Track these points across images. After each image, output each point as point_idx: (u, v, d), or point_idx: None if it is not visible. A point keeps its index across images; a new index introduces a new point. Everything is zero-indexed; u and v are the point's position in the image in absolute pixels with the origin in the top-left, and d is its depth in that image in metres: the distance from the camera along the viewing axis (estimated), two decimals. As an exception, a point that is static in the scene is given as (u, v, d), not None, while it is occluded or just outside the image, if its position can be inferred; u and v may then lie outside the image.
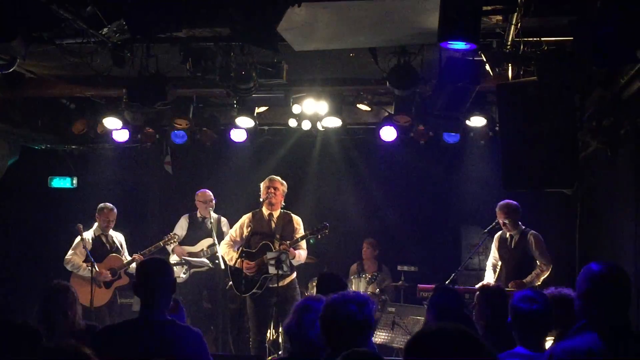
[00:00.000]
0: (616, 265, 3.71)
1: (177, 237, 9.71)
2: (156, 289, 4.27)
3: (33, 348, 3.59)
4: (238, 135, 10.12)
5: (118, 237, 9.63)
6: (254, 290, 8.50)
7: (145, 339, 3.61)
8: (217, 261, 9.23)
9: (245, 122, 9.62)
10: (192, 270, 9.65)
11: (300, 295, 9.17)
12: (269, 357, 8.98)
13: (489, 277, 8.91)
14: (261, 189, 8.76)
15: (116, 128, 9.71)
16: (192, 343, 4.19)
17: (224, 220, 9.82)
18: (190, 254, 9.70)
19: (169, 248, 9.78)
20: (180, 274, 9.69)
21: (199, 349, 4.22)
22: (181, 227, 9.93)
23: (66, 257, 9.24)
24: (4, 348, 3.61)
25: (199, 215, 9.89)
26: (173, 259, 9.79)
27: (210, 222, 9.69)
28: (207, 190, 9.92)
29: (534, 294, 4.53)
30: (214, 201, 9.87)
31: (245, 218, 8.83)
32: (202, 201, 9.85)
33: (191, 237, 9.86)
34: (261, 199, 8.72)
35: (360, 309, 3.92)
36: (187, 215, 9.99)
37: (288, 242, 8.52)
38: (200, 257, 9.62)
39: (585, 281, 3.60)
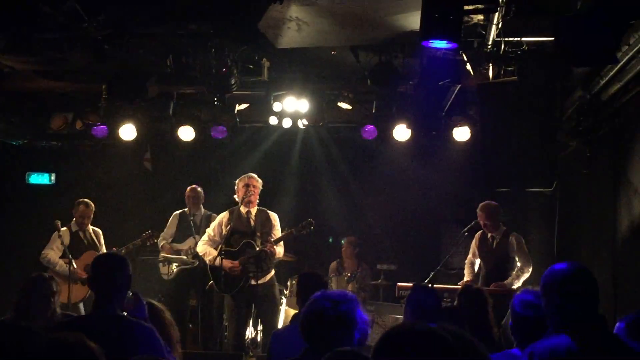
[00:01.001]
0: (580, 264, 3.74)
1: (155, 234, 9.64)
2: (110, 284, 4.24)
3: None
4: (219, 133, 10.08)
5: (96, 233, 9.55)
6: (236, 290, 8.46)
7: (97, 335, 3.58)
8: (202, 259, 9.19)
9: (225, 119, 9.59)
10: (179, 268, 9.59)
11: (279, 292, 9.15)
12: (248, 355, 8.97)
13: (468, 275, 8.94)
14: (237, 187, 8.72)
15: (95, 124, 9.64)
16: (143, 339, 4.14)
17: (214, 216, 9.71)
18: (179, 252, 9.64)
19: (159, 246, 9.72)
20: (168, 271, 9.63)
21: (151, 344, 4.17)
22: (172, 224, 9.86)
23: (42, 252, 9.15)
24: None
25: (188, 212, 9.83)
26: (161, 255, 9.74)
27: (192, 219, 9.63)
28: (196, 186, 9.83)
29: (535, 299, 4.51)
30: (201, 197, 9.81)
31: (223, 217, 8.78)
32: (189, 198, 9.79)
33: (181, 235, 9.79)
34: (236, 198, 8.69)
35: (334, 305, 3.88)
36: (177, 212, 9.92)
37: (272, 239, 8.50)
38: (187, 255, 9.55)
39: (550, 282, 3.61)
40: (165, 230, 9.71)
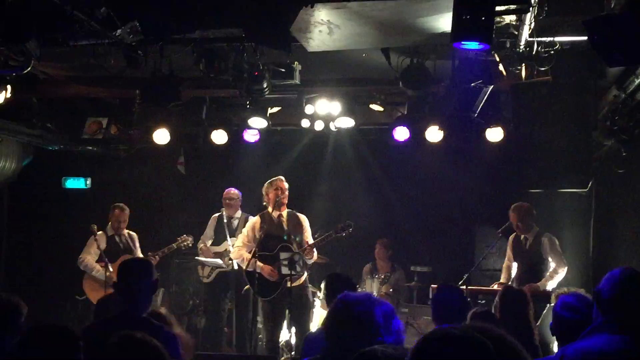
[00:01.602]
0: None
1: (190, 238, 9.71)
2: (136, 289, 4.33)
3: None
4: (251, 136, 10.13)
5: (132, 237, 9.65)
6: (275, 294, 8.51)
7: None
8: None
9: (258, 122, 9.63)
10: (218, 271, 9.66)
11: (312, 295, 9.16)
12: (282, 358, 8.99)
13: (504, 278, 8.89)
14: (265, 192, 8.77)
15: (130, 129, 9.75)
16: (166, 344, 4.19)
17: (252, 218, 9.79)
18: (216, 254, 9.71)
19: (198, 248, 9.79)
20: (206, 274, 9.71)
21: (171, 350, 4.21)
22: (210, 227, 9.95)
23: (80, 257, 9.27)
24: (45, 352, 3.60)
25: (225, 215, 9.88)
26: (200, 258, 9.82)
27: (232, 222, 9.67)
28: (233, 189, 9.91)
29: (577, 302, 4.49)
30: (238, 200, 9.87)
31: (255, 221, 8.83)
32: (226, 200, 9.86)
33: (218, 237, 9.87)
34: (264, 203, 8.74)
35: (349, 306, 3.91)
36: (216, 215, 9.99)
37: (311, 243, 8.54)
38: (224, 257, 9.62)
39: (613, 286, 3.58)
40: (205, 232, 9.82)
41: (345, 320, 3.89)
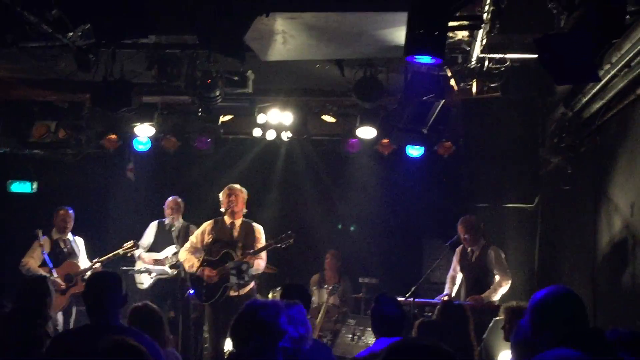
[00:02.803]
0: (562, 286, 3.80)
1: (137, 245, 9.60)
2: (104, 303, 4.35)
3: None
4: (202, 143, 10.09)
5: (77, 242, 9.51)
6: (214, 299, 8.44)
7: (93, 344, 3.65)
8: (180, 269, 9.17)
9: (209, 130, 9.60)
10: (155, 278, 9.56)
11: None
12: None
13: (448, 289, 8.97)
14: (221, 199, 8.71)
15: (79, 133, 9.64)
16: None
17: (192, 227, 9.68)
18: (156, 261, 9.61)
19: (135, 255, 9.68)
20: (144, 281, 9.61)
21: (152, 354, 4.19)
22: (149, 233, 9.84)
23: (22, 260, 9.09)
24: None
25: (167, 222, 9.80)
26: (138, 265, 9.70)
27: (174, 230, 9.59)
28: (176, 197, 9.82)
29: None
30: (181, 208, 9.79)
31: (207, 225, 8.76)
32: (169, 208, 9.77)
33: (159, 244, 9.76)
34: (222, 209, 8.67)
35: (254, 313, 4.04)
36: (156, 222, 9.89)
37: (251, 251, 8.46)
38: (165, 264, 9.53)
39: (542, 305, 3.65)
40: (142, 239, 9.68)
41: (250, 326, 3.97)
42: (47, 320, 5.45)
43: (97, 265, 9.13)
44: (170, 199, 9.79)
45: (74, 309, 9.22)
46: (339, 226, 11.61)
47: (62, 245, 9.35)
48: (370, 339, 9.04)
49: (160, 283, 9.52)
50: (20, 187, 11.76)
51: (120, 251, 9.38)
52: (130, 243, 9.49)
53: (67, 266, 9.19)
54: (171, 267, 9.46)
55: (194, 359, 9.30)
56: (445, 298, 8.67)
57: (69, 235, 9.45)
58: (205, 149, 10.24)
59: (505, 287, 8.42)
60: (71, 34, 6.34)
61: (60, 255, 9.25)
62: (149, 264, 9.57)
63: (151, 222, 9.88)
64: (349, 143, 9.88)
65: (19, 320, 4.97)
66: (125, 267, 10.04)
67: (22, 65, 7.81)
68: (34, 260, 9.07)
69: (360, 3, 5.98)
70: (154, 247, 9.69)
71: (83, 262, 9.42)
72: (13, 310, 5.25)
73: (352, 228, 11.73)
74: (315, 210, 11.68)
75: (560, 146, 7.95)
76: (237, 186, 8.74)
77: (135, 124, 9.64)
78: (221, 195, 8.71)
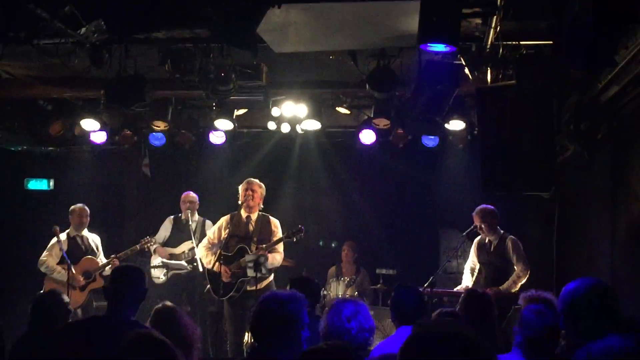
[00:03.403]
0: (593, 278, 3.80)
1: (154, 240, 9.64)
2: (125, 295, 4.38)
3: None
4: (217, 138, 10.09)
5: (94, 239, 9.55)
6: (231, 294, 8.45)
7: (108, 337, 3.65)
8: (196, 264, 9.18)
9: (224, 124, 9.60)
10: (171, 273, 9.59)
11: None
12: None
13: (467, 281, 8.93)
14: (239, 192, 8.71)
15: (94, 130, 9.66)
16: None
17: (208, 222, 9.74)
18: (172, 256, 9.65)
19: (152, 249, 9.72)
20: (161, 275, 9.64)
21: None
22: (165, 228, 9.88)
23: (40, 258, 9.15)
24: None
25: (183, 217, 9.82)
26: (155, 260, 9.73)
27: (191, 225, 9.60)
28: (191, 192, 9.86)
29: (545, 308, 4.51)
30: (197, 203, 9.81)
31: (223, 220, 8.77)
32: (185, 203, 9.79)
33: (174, 239, 9.80)
34: (239, 202, 8.67)
35: (281, 306, 4.02)
36: (172, 217, 9.93)
37: (264, 245, 8.46)
38: (181, 260, 9.57)
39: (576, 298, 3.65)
40: (158, 233, 9.71)
41: (278, 319, 3.98)
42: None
43: (115, 261, 9.16)
44: (185, 194, 9.81)
45: (94, 305, 9.27)
46: (333, 244, 11.66)
47: (79, 241, 9.40)
48: (388, 330, 9.02)
49: (177, 278, 9.55)
50: (37, 184, 11.83)
51: (137, 246, 9.43)
52: (147, 239, 9.53)
53: (85, 262, 9.24)
54: (188, 262, 9.48)
55: (214, 354, 9.32)
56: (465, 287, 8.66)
57: (86, 232, 9.49)
58: (220, 144, 10.23)
59: (524, 278, 8.39)
60: (84, 30, 6.35)
61: (78, 252, 9.30)
62: (165, 258, 9.59)
63: (167, 217, 9.90)
64: (364, 134, 9.83)
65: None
66: (141, 262, 10.10)
67: (35, 63, 7.82)
68: (52, 258, 9.13)
69: (373, -8, 5.96)
70: (170, 242, 9.73)
71: (101, 258, 9.46)
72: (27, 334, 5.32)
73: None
74: (331, 202, 11.68)
75: (576, 133, 7.89)
76: (257, 181, 8.74)
77: (151, 121, 9.66)
78: (240, 188, 8.72)
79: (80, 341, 4.15)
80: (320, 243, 11.69)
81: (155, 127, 9.72)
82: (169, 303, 5.08)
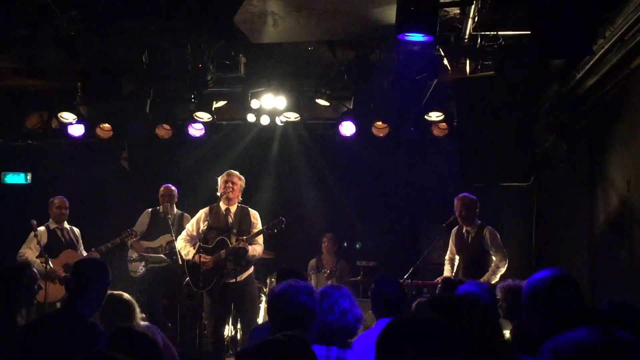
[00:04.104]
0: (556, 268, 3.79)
1: (134, 233, 9.55)
2: (85, 289, 4.32)
3: None
4: (196, 130, 10.04)
5: (74, 232, 9.46)
6: (211, 286, 8.41)
7: (57, 332, 3.65)
8: (174, 257, 9.12)
9: (203, 116, 9.56)
10: (149, 266, 9.53)
11: (258, 290, 9.10)
12: (228, 354, 8.91)
13: (447, 272, 8.94)
14: (218, 184, 8.66)
15: (71, 122, 9.57)
16: (101, 343, 4.15)
17: (187, 216, 9.65)
18: (149, 250, 9.56)
19: (128, 243, 9.65)
20: (138, 269, 9.58)
21: None
22: (143, 221, 9.78)
23: (19, 251, 9.05)
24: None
25: (161, 210, 9.74)
26: (132, 253, 9.66)
27: (170, 218, 9.53)
28: (170, 186, 9.76)
29: (478, 289, 4.54)
30: (175, 196, 9.73)
31: (202, 212, 8.71)
32: (163, 196, 9.71)
33: (152, 233, 9.72)
34: (218, 194, 8.62)
35: (310, 298, 4.04)
36: (149, 210, 9.84)
37: (244, 237, 8.42)
38: (159, 253, 9.49)
39: (539, 289, 3.65)
40: (135, 227, 9.63)
41: (306, 312, 3.98)
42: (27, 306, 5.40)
43: (95, 253, 9.08)
44: (163, 186, 9.73)
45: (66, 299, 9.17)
46: (357, 245, 11.74)
47: (59, 234, 9.30)
48: (368, 322, 9.01)
49: (154, 271, 9.49)
50: (14, 178, 11.72)
51: (118, 240, 9.33)
52: (128, 231, 9.45)
53: (65, 256, 9.15)
54: (166, 255, 9.42)
55: (192, 347, 9.27)
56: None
57: (66, 224, 9.41)
58: (199, 136, 10.17)
59: (503, 269, 8.40)
60: (58, 20, 6.27)
61: (59, 245, 9.21)
62: (142, 252, 9.53)
63: (145, 210, 9.83)
64: (343, 126, 9.81)
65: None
66: (120, 255, 10.03)
67: (10, 54, 7.73)
68: (31, 251, 9.03)
69: (350, -19, 5.93)
70: (147, 235, 9.65)
71: (81, 251, 9.38)
72: None
73: (357, 245, 11.79)
74: (310, 194, 11.66)
75: (555, 123, 7.92)
76: (236, 173, 8.68)
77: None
78: (219, 180, 8.67)
79: (35, 342, 4.11)
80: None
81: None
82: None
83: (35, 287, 5.43)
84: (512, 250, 8.82)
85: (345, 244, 11.69)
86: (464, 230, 8.73)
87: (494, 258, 8.49)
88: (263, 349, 2.74)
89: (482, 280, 8.31)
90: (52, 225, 9.28)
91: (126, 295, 5.29)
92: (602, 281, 7.16)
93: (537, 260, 9.06)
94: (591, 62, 6.58)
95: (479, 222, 8.68)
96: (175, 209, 9.68)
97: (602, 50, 6.12)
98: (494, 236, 8.54)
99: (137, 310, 5.30)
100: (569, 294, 3.58)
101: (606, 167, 7.07)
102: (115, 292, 5.30)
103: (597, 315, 3.69)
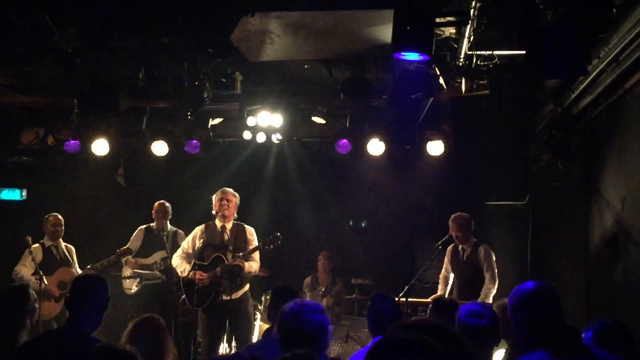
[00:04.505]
0: (544, 282, 3.78)
1: (130, 251, 9.51)
2: (85, 306, 4.30)
3: None
4: (192, 148, 10.05)
5: (69, 250, 9.44)
6: (206, 304, 8.38)
7: (59, 349, 3.63)
8: (169, 274, 9.10)
9: (199, 134, 9.57)
10: (144, 283, 9.49)
11: (253, 308, 9.08)
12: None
13: (441, 290, 8.94)
14: (213, 201, 8.66)
15: (67, 139, 9.59)
16: None
17: (180, 233, 9.64)
18: (143, 267, 9.53)
19: (123, 261, 9.61)
20: (132, 286, 9.54)
21: None
22: (137, 238, 9.74)
23: (15, 269, 9.01)
24: None
25: (154, 227, 9.71)
26: (126, 270, 9.62)
27: (165, 235, 9.51)
28: (164, 202, 9.74)
29: (481, 308, 4.54)
30: (170, 213, 9.71)
31: (198, 230, 8.71)
32: (158, 213, 9.69)
33: (146, 249, 9.68)
34: (213, 212, 8.62)
35: (325, 317, 4.08)
36: (143, 226, 9.81)
37: (241, 254, 8.42)
38: (153, 270, 9.46)
39: (520, 300, 3.66)
40: (129, 244, 9.59)
41: (324, 331, 4.00)
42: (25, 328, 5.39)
43: (90, 271, 9.04)
44: (158, 203, 9.71)
45: (67, 316, 9.11)
46: (363, 224, 11.79)
47: (54, 252, 9.28)
48: (364, 340, 9.01)
49: (149, 288, 9.46)
50: (10, 194, 11.70)
51: (113, 257, 9.29)
52: (123, 249, 9.42)
53: (60, 273, 9.12)
54: (160, 272, 9.39)
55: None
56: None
57: (61, 242, 9.39)
58: (195, 153, 10.18)
59: (493, 290, 8.38)
60: (56, 37, 6.29)
61: (54, 262, 9.18)
62: (137, 269, 9.49)
63: (139, 227, 9.81)
64: (339, 144, 9.83)
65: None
66: (115, 273, 9.99)
67: (7, 71, 7.75)
68: (27, 269, 9.00)
69: (347, 1, 5.96)
70: (141, 252, 9.61)
71: (76, 268, 9.35)
72: None
73: (363, 224, 11.83)
74: (306, 212, 11.66)
75: (550, 143, 7.94)
76: (231, 190, 8.69)
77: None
78: (214, 198, 8.67)
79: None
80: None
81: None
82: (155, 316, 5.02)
83: (33, 307, 5.45)
84: (507, 268, 8.82)
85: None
86: (459, 248, 8.73)
87: (485, 277, 8.48)
88: None
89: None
90: (47, 243, 9.26)
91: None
92: (596, 299, 7.16)
93: (532, 278, 9.05)
94: (586, 82, 6.61)
95: (475, 239, 8.68)
96: (169, 226, 9.67)
97: (597, 71, 6.16)
98: (488, 254, 8.53)
99: None
100: (551, 307, 3.59)
101: (601, 185, 7.09)
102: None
103: (574, 333, 3.68)
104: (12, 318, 5.14)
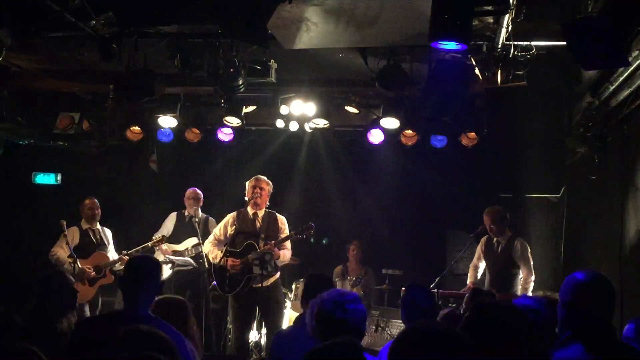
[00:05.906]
0: (600, 274, 3.72)
1: (165, 238, 9.55)
2: (141, 287, 4.28)
3: None
4: (225, 135, 10.07)
5: (106, 233, 9.50)
6: (237, 290, 8.42)
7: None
8: (201, 261, 9.14)
9: (232, 121, 9.59)
10: (175, 269, 9.55)
11: (283, 296, 9.10)
12: (252, 358, 8.91)
13: (471, 277, 8.90)
14: (246, 188, 8.68)
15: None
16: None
17: (212, 220, 9.69)
18: (175, 252, 9.59)
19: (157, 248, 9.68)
20: (164, 272, 9.59)
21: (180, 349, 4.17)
22: (169, 224, 9.80)
23: (51, 250, 9.10)
24: None
25: (186, 213, 9.77)
26: (158, 256, 9.68)
27: (197, 221, 9.56)
28: (196, 189, 9.80)
29: (536, 303, 4.48)
30: (201, 200, 9.76)
31: (230, 217, 8.74)
32: (190, 199, 9.74)
33: (177, 236, 9.74)
34: (246, 198, 8.64)
35: (364, 307, 4.12)
36: (175, 213, 9.87)
37: (273, 242, 8.44)
38: (185, 256, 9.51)
39: (569, 291, 3.60)
40: (160, 230, 9.65)
41: (353, 319, 3.99)
42: (72, 311, 5.46)
43: (125, 258, 9.10)
44: (190, 190, 9.77)
45: (100, 301, 9.23)
46: (324, 241, 11.72)
47: (91, 235, 9.35)
48: (393, 330, 9.00)
49: (180, 274, 9.51)
50: (45, 178, 11.82)
51: (149, 244, 9.34)
52: (159, 236, 9.46)
53: (96, 257, 9.19)
54: (192, 258, 9.44)
55: (217, 350, 9.28)
56: (470, 285, 8.62)
57: (98, 225, 9.47)
58: (228, 141, 10.21)
59: (532, 284, 8.34)
60: (93, 22, 6.32)
61: (90, 246, 9.25)
62: (169, 255, 9.55)
63: (170, 213, 9.86)
64: (372, 134, 9.80)
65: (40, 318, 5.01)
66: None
67: (45, 56, 7.81)
68: (62, 250, 9.07)
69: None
70: (172, 239, 9.66)
71: (112, 253, 9.42)
72: (35, 307, 5.27)
73: (324, 241, 11.75)
74: (338, 201, 11.65)
75: (586, 135, 7.84)
76: (264, 178, 8.71)
77: (159, 115, 9.66)
78: (247, 184, 8.69)
79: (97, 337, 4.10)
80: (324, 241, 11.71)
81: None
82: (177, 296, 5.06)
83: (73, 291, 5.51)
84: (540, 262, 8.75)
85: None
86: (494, 240, 8.68)
87: (521, 271, 8.43)
88: (317, 355, 2.75)
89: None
90: (85, 226, 9.34)
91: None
92: (630, 295, 7.07)
93: (565, 273, 8.96)
94: (625, 75, 6.51)
95: (510, 233, 8.62)
96: (201, 213, 9.71)
97: (637, 63, 6.06)
98: (524, 248, 8.48)
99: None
100: (610, 297, 3.55)
101: (638, 180, 6.99)
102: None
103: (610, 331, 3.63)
104: (51, 303, 5.22)
